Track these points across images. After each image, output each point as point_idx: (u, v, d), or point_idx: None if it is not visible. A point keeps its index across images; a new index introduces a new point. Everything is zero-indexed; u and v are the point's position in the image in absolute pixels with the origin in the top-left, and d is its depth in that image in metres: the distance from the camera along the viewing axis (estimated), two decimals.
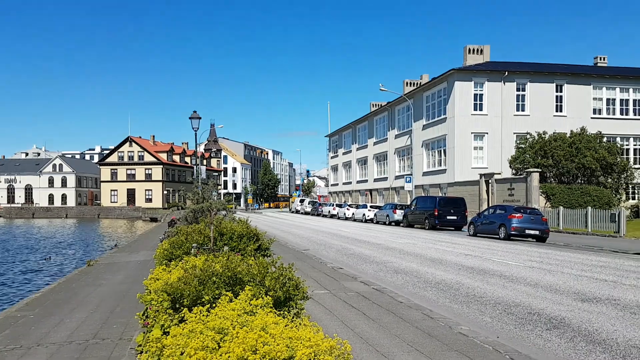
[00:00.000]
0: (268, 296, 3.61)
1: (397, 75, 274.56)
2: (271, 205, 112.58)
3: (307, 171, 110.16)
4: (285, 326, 3.05)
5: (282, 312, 3.55)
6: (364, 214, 41.35)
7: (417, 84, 53.52)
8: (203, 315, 3.31)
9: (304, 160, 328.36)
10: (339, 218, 47.30)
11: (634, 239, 22.23)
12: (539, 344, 5.84)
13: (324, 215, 52.38)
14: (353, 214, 44.34)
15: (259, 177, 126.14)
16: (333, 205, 53.23)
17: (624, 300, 8.34)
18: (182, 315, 3.53)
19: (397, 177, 50.46)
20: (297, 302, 3.88)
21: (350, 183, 65.86)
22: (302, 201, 66.14)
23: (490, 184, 35.68)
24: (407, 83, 55.41)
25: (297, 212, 64.17)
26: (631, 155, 39.45)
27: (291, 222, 39.01)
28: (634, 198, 37.02)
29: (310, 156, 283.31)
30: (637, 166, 37.53)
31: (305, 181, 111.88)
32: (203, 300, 3.70)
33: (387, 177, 53.53)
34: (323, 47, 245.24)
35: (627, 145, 39.68)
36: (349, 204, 51.07)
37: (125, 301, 8.32)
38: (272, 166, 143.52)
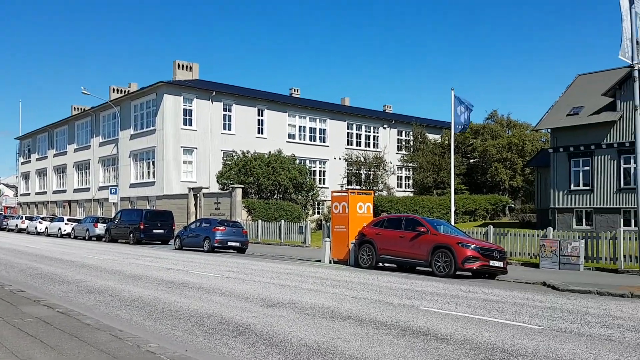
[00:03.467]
0: None
1: (102, 81, 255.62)
2: None
3: None
4: None
5: None
6: (59, 228, 37.29)
7: (125, 91, 51.25)
8: None
9: None
10: (29, 233, 41.56)
11: (317, 248, 25.85)
12: (224, 352, 6.17)
13: (10, 230, 45.44)
14: (47, 228, 39.65)
15: None
16: (22, 217, 46.63)
17: (302, 303, 9.55)
18: None
19: (101, 188, 47.11)
20: None
21: (45, 193, 58.45)
22: None
23: (198, 198, 36.60)
24: (113, 89, 52.50)
25: None
26: (317, 176, 46.03)
27: None
28: (318, 212, 43.17)
29: None
30: (321, 185, 43.98)
31: None
32: None
33: (89, 188, 49.47)
34: (14, 40, 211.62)
35: (314, 167, 46.14)
36: (41, 216, 45.42)
37: None
38: None
